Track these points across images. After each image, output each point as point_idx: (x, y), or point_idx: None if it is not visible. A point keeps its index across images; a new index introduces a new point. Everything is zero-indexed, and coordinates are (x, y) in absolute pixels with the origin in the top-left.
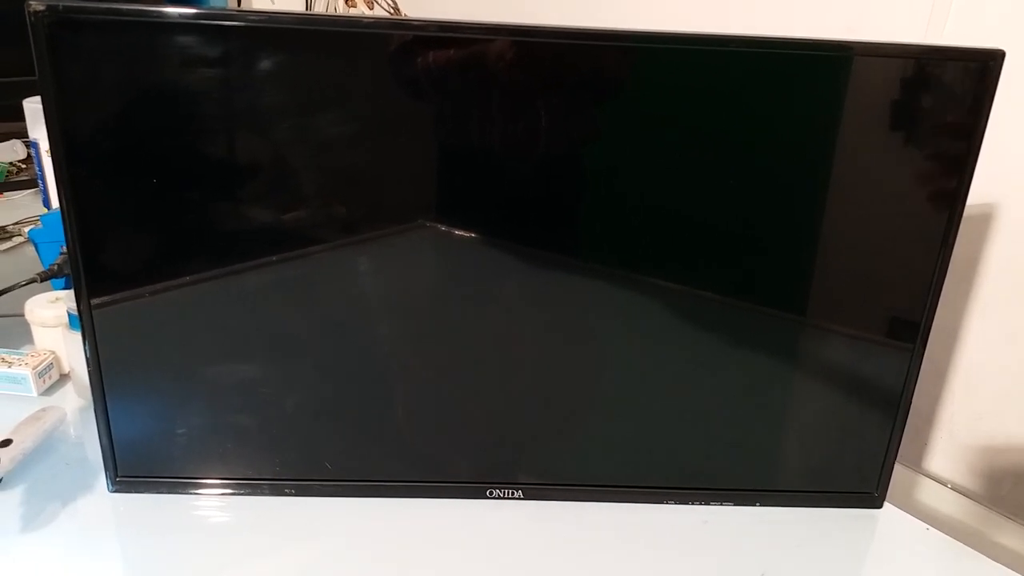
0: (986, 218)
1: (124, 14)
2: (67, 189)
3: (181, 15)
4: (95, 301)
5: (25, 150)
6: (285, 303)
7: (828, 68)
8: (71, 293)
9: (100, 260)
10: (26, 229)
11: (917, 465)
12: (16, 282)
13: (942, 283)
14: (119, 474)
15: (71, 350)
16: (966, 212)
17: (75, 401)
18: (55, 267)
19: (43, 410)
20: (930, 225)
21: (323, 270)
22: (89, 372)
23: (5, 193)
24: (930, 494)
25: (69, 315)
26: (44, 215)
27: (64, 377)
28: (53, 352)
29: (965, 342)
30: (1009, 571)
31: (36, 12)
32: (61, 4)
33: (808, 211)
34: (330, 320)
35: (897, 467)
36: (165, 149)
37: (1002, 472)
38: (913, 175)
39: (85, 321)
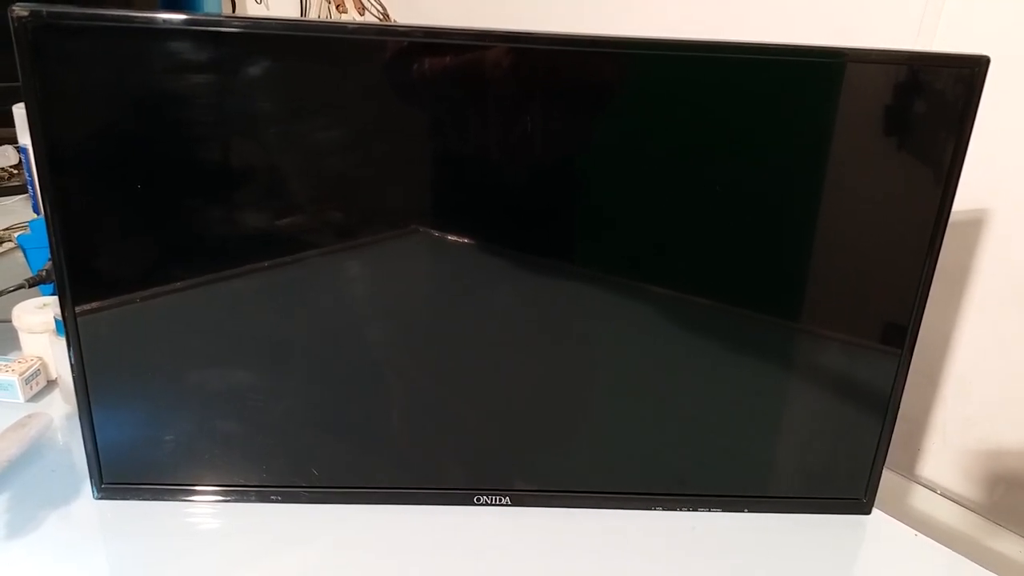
0: (978, 224)
1: (108, 20)
2: (51, 195)
3: (165, 21)
4: (80, 307)
5: (16, 155)
6: (273, 309)
7: (818, 74)
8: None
9: (85, 266)
10: (15, 235)
11: (910, 472)
12: (4, 288)
13: (929, 287)
14: (104, 481)
15: (58, 356)
16: (959, 218)
17: (62, 407)
18: (43, 273)
19: (28, 416)
20: (917, 230)
21: (314, 276)
22: (74, 378)
23: None
24: (923, 501)
25: (56, 321)
26: (33, 221)
27: (51, 383)
28: (40, 358)
29: (956, 348)
30: None
31: (20, 18)
32: (45, 10)
33: (798, 217)
34: (320, 326)
35: (889, 474)
36: (150, 155)
37: (994, 478)
38: (900, 180)
39: (70, 327)
